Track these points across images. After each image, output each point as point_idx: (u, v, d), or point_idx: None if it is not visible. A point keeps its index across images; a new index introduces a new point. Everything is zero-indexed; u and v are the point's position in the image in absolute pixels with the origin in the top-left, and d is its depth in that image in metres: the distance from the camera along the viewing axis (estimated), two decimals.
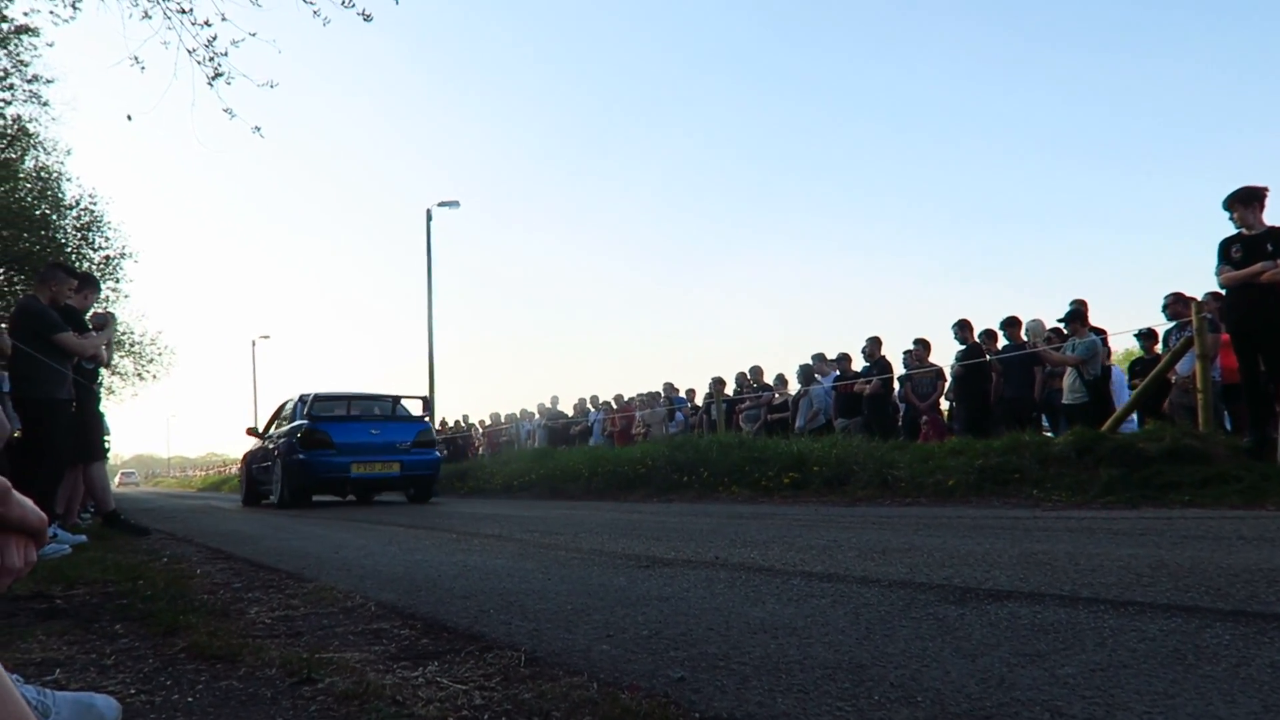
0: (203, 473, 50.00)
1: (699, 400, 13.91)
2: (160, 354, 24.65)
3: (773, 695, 1.49)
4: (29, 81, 15.86)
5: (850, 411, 10.72)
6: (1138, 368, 8.92)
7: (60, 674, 1.88)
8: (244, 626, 2.39)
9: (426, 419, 11.79)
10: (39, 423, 5.18)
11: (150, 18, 6.65)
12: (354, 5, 6.44)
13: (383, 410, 11.23)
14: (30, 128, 16.92)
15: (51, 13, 7.28)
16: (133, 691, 1.72)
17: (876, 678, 1.57)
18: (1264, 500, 5.04)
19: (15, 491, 0.76)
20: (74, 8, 7.27)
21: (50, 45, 15.78)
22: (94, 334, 6.14)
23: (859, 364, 10.87)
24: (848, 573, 2.89)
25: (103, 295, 18.39)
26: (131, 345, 23.36)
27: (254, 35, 6.65)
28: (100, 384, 6.87)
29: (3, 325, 5.19)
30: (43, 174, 17.97)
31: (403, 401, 11.56)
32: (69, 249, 17.98)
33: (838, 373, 11.08)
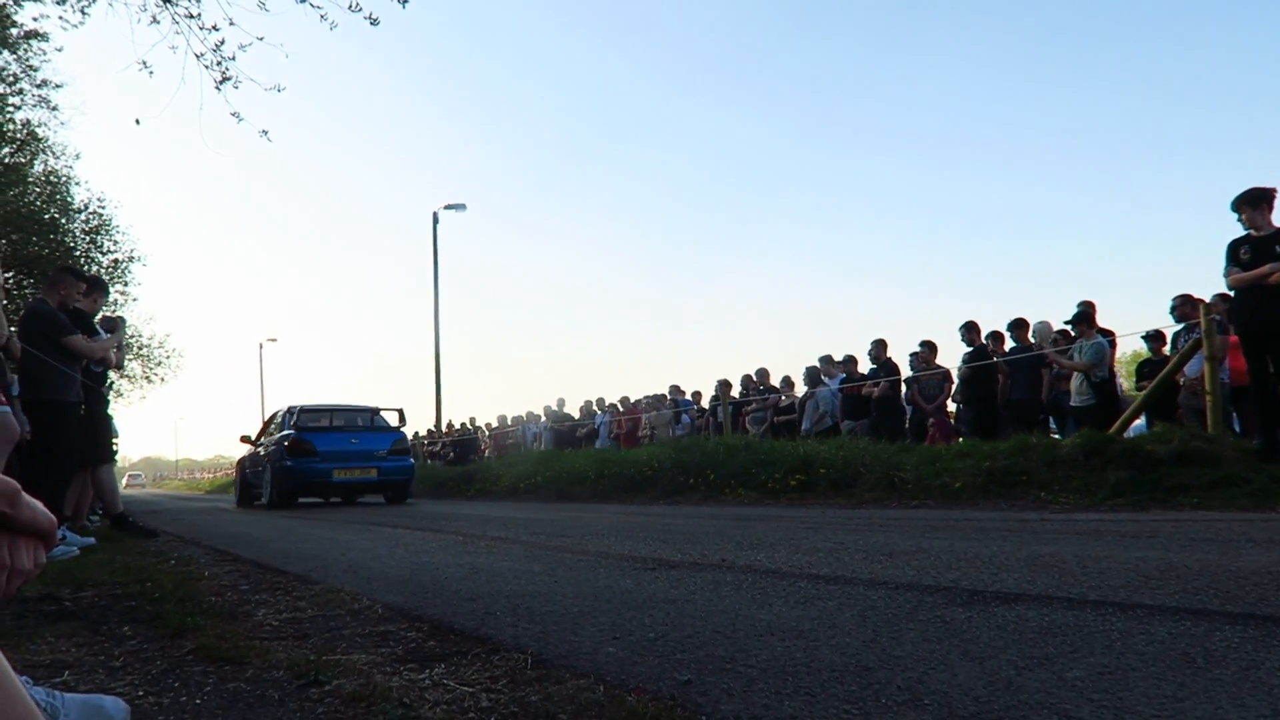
0: (210, 475, 50.14)
1: (705, 402, 13.90)
2: (168, 357, 24.81)
3: (779, 698, 1.49)
4: (38, 86, 15.99)
5: (856, 413, 10.71)
6: (1145, 369, 8.89)
7: (69, 676, 1.89)
8: (251, 628, 2.40)
9: (402, 429, 12.71)
10: (48, 425, 5.20)
11: (159, 22, 6.69)
12: (361, 9, 6.46)
13: (363, 421, 12.27)
14: (39, 132, 17.03)
15: (60, 18, 7.34)
16: (141, 693, 1.72)
17: (884, 680, 1.57)
18: (1273, 503, 5.01)
19: (25, 494, 0.77)
20: (83, 13, 7.32)
21: (59, 50, 15.97)
22: (104, 336, 6.17)
23: (865, 366, 10.86)
24: (855, 575, 2.88)
25: (111, 298, 18.53)
26: (140, 348, 23.47)
27: (261, 39, 6.69)
28: (110, 387, 6.90)
29: (12, 329, 5.22)
30: (52, 178, 18.08)
31: (381, 413, 12.54)
32: (78, 253, 18.08)
33: (844, 375, 11.07)
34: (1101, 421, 7.67)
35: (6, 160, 16.60)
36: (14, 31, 14.22)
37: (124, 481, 46.92)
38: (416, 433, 24.22)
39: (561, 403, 17.45)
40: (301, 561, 4.16)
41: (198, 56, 6.78)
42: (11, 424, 4.63)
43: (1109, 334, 8.68)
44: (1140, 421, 8.37)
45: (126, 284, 19.90)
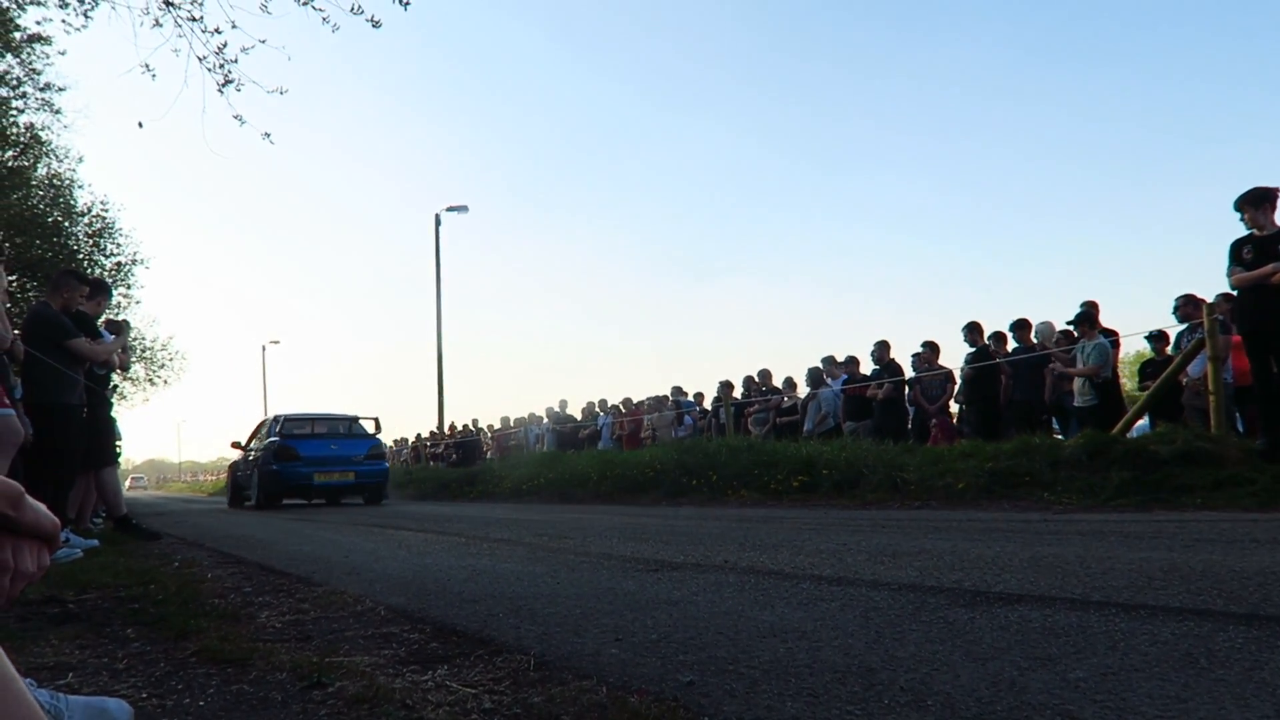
0: (213, 478, 50.17)
1: (707, 404, 13.89)
2: (171, 359, 24.87)
3: (782, 699, 1.49)
4: (41, 89, 16.02)
5: (859, 414, 10.70)
6: (1149, 370, 8.88)
7: (73, 678, 1.89)
8: (255, 630, 2.40)
9: (378, 436, 13.85)
10: (51, 428, 5.22)
11: (161, 26, 6.71)
12: (363, 12, 6.47)
13: (342, 429, 13.49)
14: (42, 135, 17.06)
15: (64, 21, 7.37)
16: (144, 695, 1.72)
17: (886, 681, 1.57)
18: (1277, 503, 5.00)
19: (28, 496, 0.77)
20: (86, 16, 7.35)
21: (62, 53, 15.95)
22: (109, 339, 6.19)
23: (868, 367, 10.85)
24: (857, 576, 2.88)
25: (114, 301, 18.57)
26: (143, 351, 23.52)
27: (264, 42, 6.70)
28: (114, 389, 6.92)
29: (16, 332, 5.23)
30: (55, 181, 18.11)
31: (359, 421, 13.76)
32: (81, 256, 18.09)
33: (846, 376, 11.06)
34: (1104, 422, 7.66)
35: (10, 164, 16.63)
36: (17, 35, 14.24)
37: (127, 484, 46.96)
38: (419, 434, 24.25)
39: (564, 404, 17.46)
40: (304, 564, 4.17)
41: (200, 59, 6.80)
42: (15, 427, 4.64)
43: (1112, 334, 8.66)
44: (1143, 422, 8.35)
45: (130, 287, 19.96)
